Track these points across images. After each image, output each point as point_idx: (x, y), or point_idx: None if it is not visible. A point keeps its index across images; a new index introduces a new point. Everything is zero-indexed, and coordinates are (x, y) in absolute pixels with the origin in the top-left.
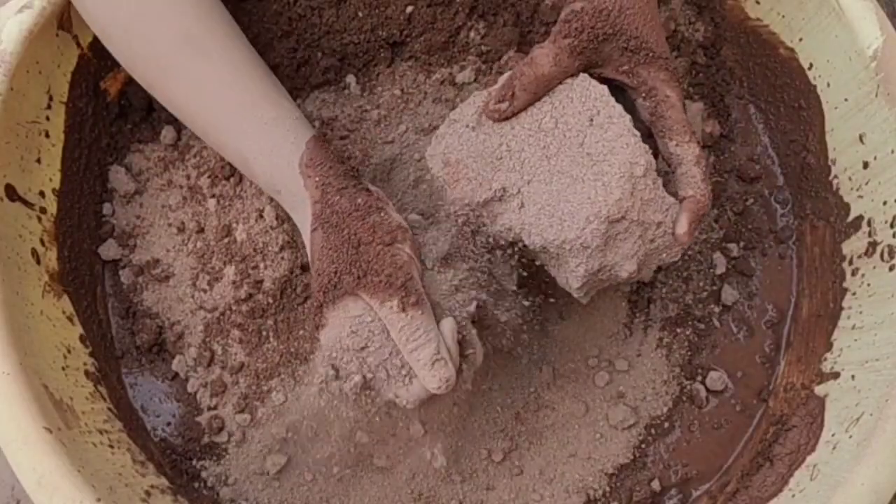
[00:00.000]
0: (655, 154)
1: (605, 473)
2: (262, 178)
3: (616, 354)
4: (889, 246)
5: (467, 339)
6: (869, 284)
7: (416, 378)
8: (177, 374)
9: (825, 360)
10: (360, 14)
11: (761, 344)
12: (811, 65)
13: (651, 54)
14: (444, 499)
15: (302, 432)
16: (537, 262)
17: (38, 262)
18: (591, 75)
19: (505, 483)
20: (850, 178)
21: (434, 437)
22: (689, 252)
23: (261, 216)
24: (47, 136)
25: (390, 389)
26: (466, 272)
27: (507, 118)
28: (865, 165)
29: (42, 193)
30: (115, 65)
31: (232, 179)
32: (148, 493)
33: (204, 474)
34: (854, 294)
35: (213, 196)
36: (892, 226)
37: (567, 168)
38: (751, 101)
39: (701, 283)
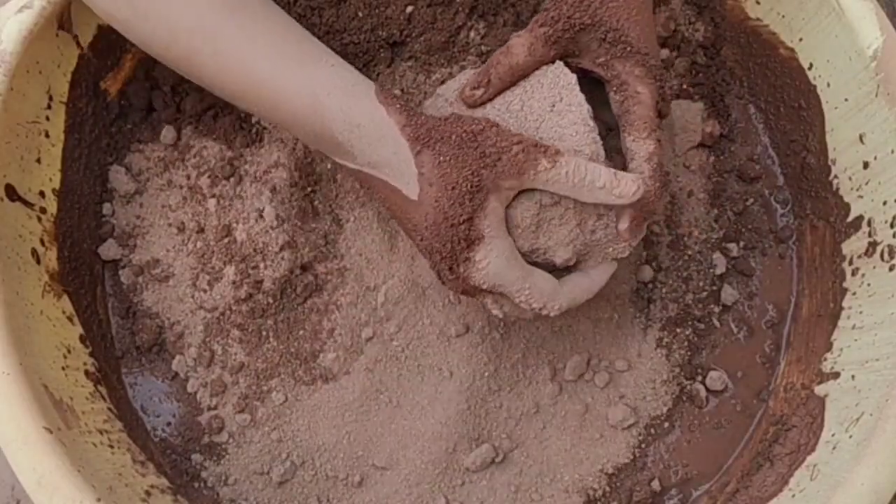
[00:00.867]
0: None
1: (605, 473)
2: (337, 117)
3: (616, 354)
4: (889, 246)
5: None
6: (869, 284)
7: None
8: (177, 374)
9: (825, 360)
10: (360, 14)
11: (761, 344)
12: (811, 65)
13: (629, 48)
14: (444, 498)
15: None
16: None
17: (38, 262)
18: (568, 64)
19: (504, 483)
20: (850, 178)
21: (434, 436)
22: (689, 252)
23: (261, 216)
24: (47, 136)
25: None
26: None
27: (480, 104)
28: (865, 165)
29: (42, 193)
30: (115, 65)
31: (232, 179)
32: (148, 493)
33: (204, 474)
34: (854, 294)
35: (213, 196)
36: (892, 226)
37: None
38: (751, 101)
39: (701, 283)
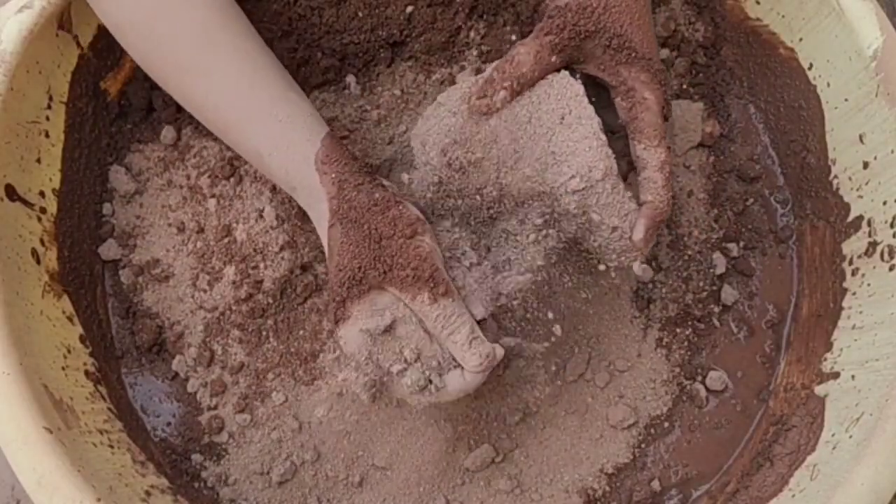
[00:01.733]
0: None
1: (605, 473)
2: (279, 175)
3: (616, 354)
4: (889, 246)
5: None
6: (869, 284)
7: (452, 372)
8: (177, 374)
9: (825, 360)
10: (360, 14)
11: (761, 344)
12: (811, 65)
13: (633, 54)
14: (443, 498)
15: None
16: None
17: (38, 262)
18: (573, 71)
19: (505, 483)
20: (850, 178)
21: (434, 436)
22: (689, 252)
23: (261, 216)
24: (47, 136)
25: (433, 379)
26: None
27: (487, 114)
28: (865, 165)
29: (42, 193)
30: (115, 65)
31: (232, 179)
32: (148, 493)
33: (204, 474)
34: (854, 294)
35: (213, 196)
36: (892, 226)
37: (531, 164)
38: (751, 101)
39: (701, 283)
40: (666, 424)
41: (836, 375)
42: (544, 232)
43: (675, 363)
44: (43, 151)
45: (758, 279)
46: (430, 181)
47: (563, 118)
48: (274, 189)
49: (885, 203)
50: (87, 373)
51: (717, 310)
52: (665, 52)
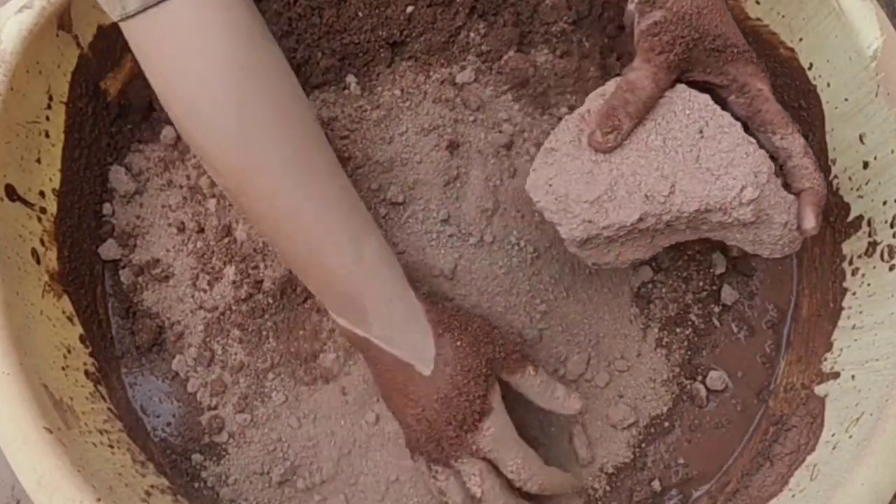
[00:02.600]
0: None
1: (605, 473)
2: (378, 287)
3: (616, 354)
4: (889, 246)
5: None
6: (869, 284)
7: None
8: (177, 374)
9: (825, 360)
10: (360, 14)
11: (761, 344)
12: (811, 65)
13: (735, 50)
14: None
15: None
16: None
17: (38, 262)
18: (682, 82)
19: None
20: (850, 178)
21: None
22: (689, 252)
23: None
24: (47, 136)
25: None
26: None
27: (615, 148)
28: (865, 165)
29: (42, 193)
30: (115, 65)
31: None
32: (148, 493)
33: (204, 474)
34: (854, 294)
35: (213, 196)
36: (892, 226)
37: (688, 186)
38: None
39: (701, 283)
40: (666, 424)
41: (836, 375)
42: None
43: (675, 363)
44: (43, 151)
45: (758, 279)
46: (580, 235)
47: (701, 131)
48: None
49: (885, 203)
50: (87, 373)
51: (717, 310)
52: None
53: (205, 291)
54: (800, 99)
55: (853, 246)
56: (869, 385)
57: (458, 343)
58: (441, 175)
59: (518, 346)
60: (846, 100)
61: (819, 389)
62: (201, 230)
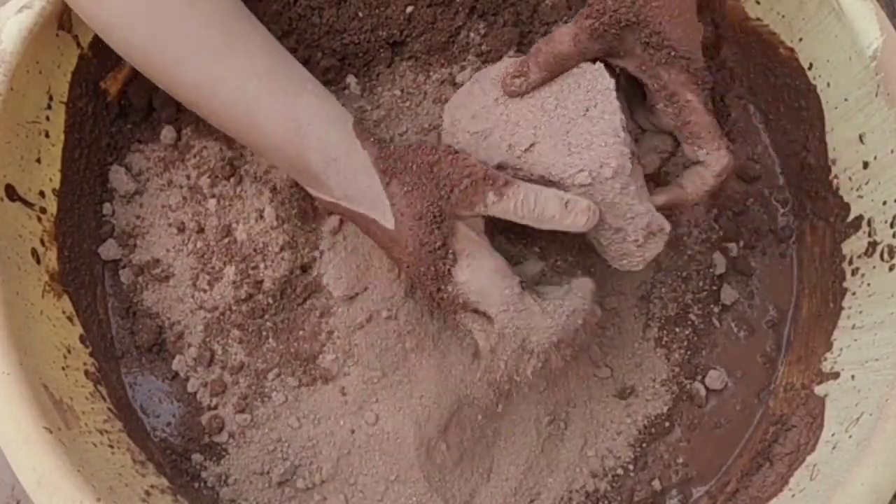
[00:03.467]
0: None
1: (606, 473)
2: (317, 147)
3: (616, 354)
4: (889, 246)
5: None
6: (869, 284)
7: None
8: (177, 374)
9: (825, 360)
10: (360, 14)
11: (762, 344)
12: (811, 65)
13: (672, 53)
14: (449, 491)
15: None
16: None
17: (38, 262)
18: (613, 67)
19: (504, 482)
20: (850, 178)
21: (439, 438)
22: (689, 252)
23: (261, 216)
24: (47, 136)
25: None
26: None
27: (521, 94)
28: (865, 165)
29: (42, 193)
30: (115, 65)
31: (232, 179)
32: (148, 493)
33: (204, 474)
34: (854, 294)
35: (213, 196)
36: (892, 226)
37: (545, 152)
38: (751, 101)
39: (701, 283)
40: (666, 424)
41: (836, 375)
42: None
43: (675, 363)
44: (43, 151)
45: (758, 279)
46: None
47: (587, 110)
48: (274, 189)
49: (885, 203)
50: (87, 373)
51: (716, 309)
52: None
53: (205, 291)
54: (800, 99)
55: (853, 246)
56: (869, 385)
57: (405, 188)
58: None
59: (469, 172)
60: (846, 100)
61: (819, 389)
62: (201, 230)
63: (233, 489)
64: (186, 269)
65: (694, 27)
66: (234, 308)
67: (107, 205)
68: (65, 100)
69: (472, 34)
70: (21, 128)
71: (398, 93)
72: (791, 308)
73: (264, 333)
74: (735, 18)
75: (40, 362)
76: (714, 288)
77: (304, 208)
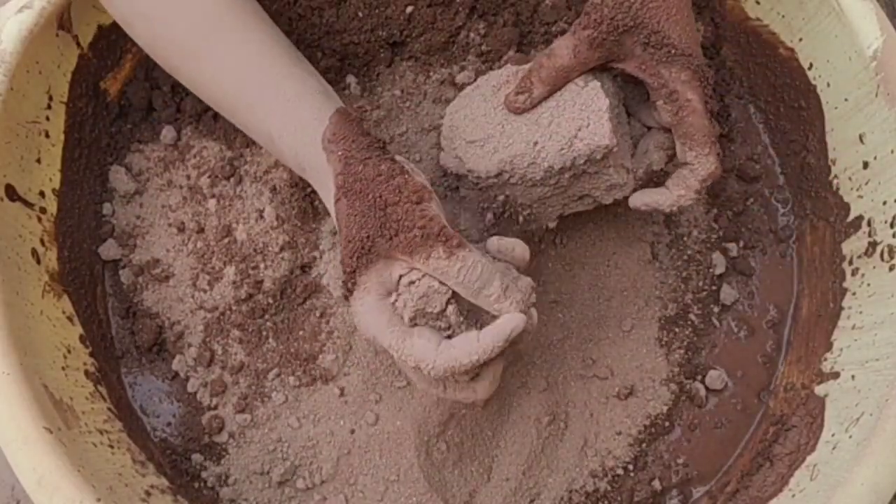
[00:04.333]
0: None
1: (606, 473)
2: (289, 156)
3: (616, 354)
4: (889, 246)
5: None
6: (869, 284)
7: (483, 331)
8: (177, 374)
9: (825, 360)
10: (360, 14)
11: (762, 344)
12: (811, 65)
13: (673, 51)
14: (449, 491)
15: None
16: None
17: (38, 262)
18: (613, 69)
19: (504, 482)
20: (850, 178)
21: (439, 438)
22: (689, 252)
23: (261, 216)
24: (47, 136)
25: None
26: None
27: (525, 110)
28: (865, 165)
29: (42, 193)
30: (115, 65)
31: (232, 179)
32: (148, 493)
33: (204, 474)
34: (854, 294)
35: (213, 196)
36: (892, 226)
37: (539, 165)
38: (751, 101)
39: (700, 283)
40: (666, 424)
41: (836, 375)
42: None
43: (675, 363)
44: (43, 151)
45: (758, 279)
46: (450, 166)
47: (579, 130)
48: (274, 189)
49: (885, 203)
50: (87, 373)
51: (716, 309)
52: None
53: (205, 291)
54: (800, 99)
55: (853, 246)
56: (869, 385)
57: (348, 211)
58: (441, 174)
59: (423, 224)
60: (846, 100)
61: (819, 389)
62: (201, 230)
63: (233, 489)
64: (186, 269)
65: (691, 25)
66: (234, 308)
67: (107, 205)
68: (65, 100)
69: (472, 34)
70: (21, 128)
71: (398, 93)
72: (791, 308)
73: (264, 333)
74: (735, 18)
75: (40, 362)
76: (714, 288)
77: (304, 208)
